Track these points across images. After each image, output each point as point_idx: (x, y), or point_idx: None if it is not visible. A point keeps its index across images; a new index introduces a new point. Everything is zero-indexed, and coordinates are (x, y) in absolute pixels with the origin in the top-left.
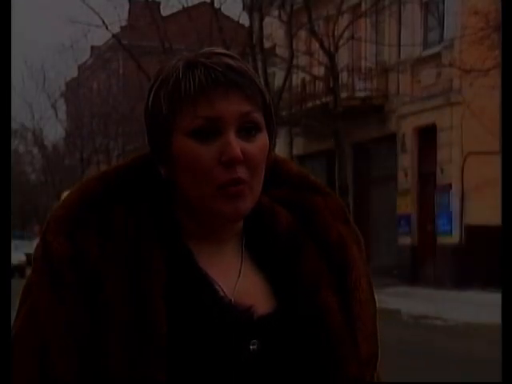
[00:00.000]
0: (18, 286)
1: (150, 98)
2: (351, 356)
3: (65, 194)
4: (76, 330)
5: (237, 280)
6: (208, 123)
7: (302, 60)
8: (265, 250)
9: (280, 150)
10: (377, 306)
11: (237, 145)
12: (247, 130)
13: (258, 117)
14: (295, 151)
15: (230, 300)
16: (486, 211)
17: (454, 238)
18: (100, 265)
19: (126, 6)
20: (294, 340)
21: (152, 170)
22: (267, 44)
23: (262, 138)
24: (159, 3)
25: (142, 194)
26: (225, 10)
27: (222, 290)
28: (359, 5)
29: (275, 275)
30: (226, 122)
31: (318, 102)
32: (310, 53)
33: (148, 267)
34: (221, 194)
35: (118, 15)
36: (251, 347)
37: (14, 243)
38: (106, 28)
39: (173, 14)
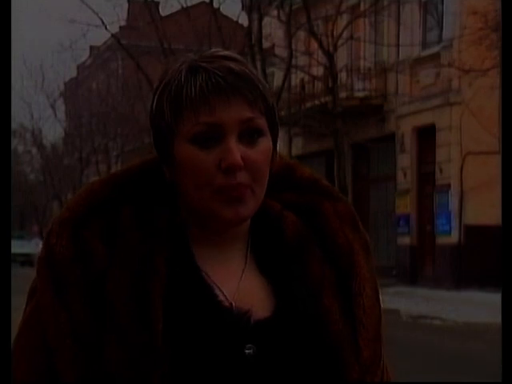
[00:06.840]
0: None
1: (154, 102)
2: (352, 361)
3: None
4: (77, 332)
5: (238, 283)
6: (209, 129)
7: (301, 60)
8: (270, 254)
9: (279, 150)
10: None
11: (237, 151)
12: (249, 135)
13: (261, 122)
14: (294, 151)
15: (231, 303)
16: (485, 211)
17: (453, 237)
18: (103, 266)
19: (125, 6)
20: (293, 344)
21: (160, 172)
22: (266, 44)
23: (265, 143)
24: (158, 3)
25: (149, 196)
26: (224, 10)
27: (223, 294)
28: (358, 5)
29: (278, 279)
30: (227, 128)
31: (317, 102)
32: (308, 53)
33: (149, 268)
34: (220, 198)
35: (117, 15)
36: (246, 351)
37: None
38: (105, 28)
39: (172, 14)
